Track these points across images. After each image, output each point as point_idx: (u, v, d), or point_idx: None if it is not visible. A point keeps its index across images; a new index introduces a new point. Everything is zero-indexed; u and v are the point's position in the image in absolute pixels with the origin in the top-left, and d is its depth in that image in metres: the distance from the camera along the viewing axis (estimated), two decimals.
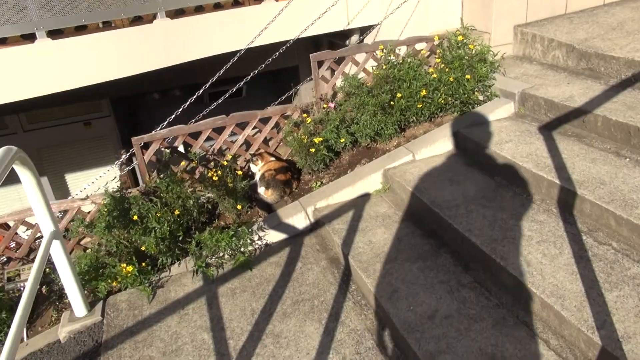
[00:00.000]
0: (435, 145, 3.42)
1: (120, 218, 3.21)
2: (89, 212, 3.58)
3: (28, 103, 4.18)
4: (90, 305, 2.90)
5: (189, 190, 3.40)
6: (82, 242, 3.70)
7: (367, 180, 3.36)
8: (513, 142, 3.13)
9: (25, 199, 7.36)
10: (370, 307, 2.54)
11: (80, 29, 3.92)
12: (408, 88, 3.38)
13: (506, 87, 3.59)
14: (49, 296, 3.31)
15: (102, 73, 4.00)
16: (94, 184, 4.15)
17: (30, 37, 3.70)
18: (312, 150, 3.31)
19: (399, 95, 3.40)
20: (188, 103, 3.99)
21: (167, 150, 3.46)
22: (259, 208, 3.52)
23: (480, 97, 3.68)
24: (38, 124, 7.32)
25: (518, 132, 3.25)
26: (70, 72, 3.85)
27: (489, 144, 3.18)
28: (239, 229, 3.10)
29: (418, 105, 3.40)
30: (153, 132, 3.54)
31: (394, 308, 2.32)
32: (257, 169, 3.70)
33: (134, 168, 5.14)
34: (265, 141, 3.89)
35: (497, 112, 3.50)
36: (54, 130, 7.41)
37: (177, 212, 3.16)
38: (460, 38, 3.60)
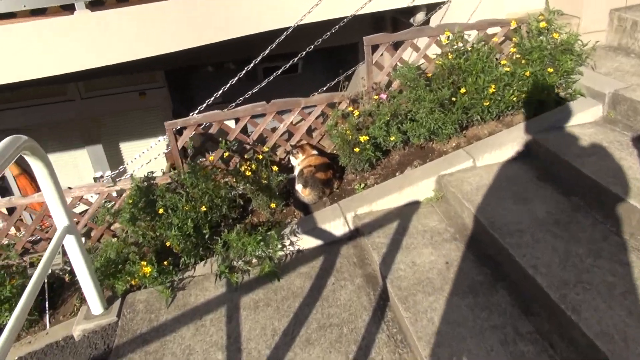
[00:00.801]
0: (501, 151, 2.93)
1: (146, 209, 3.00)
2: (119, 196, 3.42)
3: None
4: (108, 302, 2.73)
5: (222, 182, 3.13)
6: (112, 228, 3.56)
7: (417, 186, 2.94)
8: (598, 156, 2.60)
9: (82, 167, 7.39)
10: (407, 345, 2.18)
11: (122, 0, 3.69)
12: (474, 83, 2.89)
13: (594, 85, 3.01)
14: (74, 282, 3.18)
15: (145, 48, 3.77)
16: (140, 157, 4.00)
17: (69, 8, 3.51)
18: (357, 149, 2.93)
19: (462, 90, 2.92)
20: (230, 84, 3.69)
21: (190, 142, 3.20)
22: (295, 207, 3.20)
23: (561, 94, 3.13)
24: (95, 92, 7.36)
25: (605, 143, 2.70)
26: (111, 46, 3.65)
27: (567, 154, 2.66)
28: (268, 233, 2.80)
29: (484, 103, 2.91)
30: (190, 115, 3.28)
31: (434, 356, 1.95)
32: (297, 162, 3.37)
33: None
34: (309, 131, 3.54)
35: (581, 116, 2.94)
36: (109, 98, 7.43)
37: (203, 208, 2.90)
38: (543, 25, 3.03)
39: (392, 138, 3.01)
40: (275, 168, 3.04)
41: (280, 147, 3.55)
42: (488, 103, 2.91)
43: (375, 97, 3.17)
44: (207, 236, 2.97)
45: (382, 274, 2.49)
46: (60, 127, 7.44)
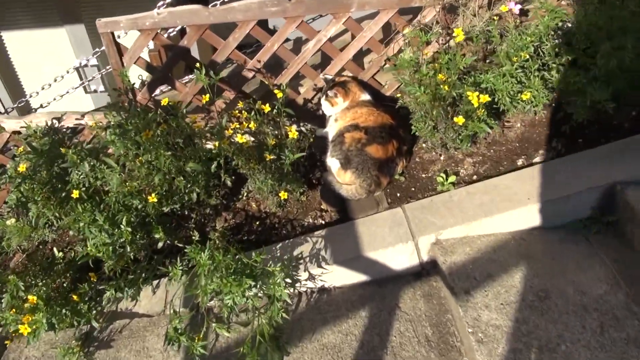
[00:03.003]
0: None
1: (53, 182, 1.66)
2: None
3: None
4: None
5: (199, 142, 1.72)
6: None
7: (564, 199, 1.51)
8: None
9: (62, 51, 5.78)
10: None
11: None
12: None
13: None
14: None
15: None
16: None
17: None
18: (460, 119, 1.45)
19: None
20: None
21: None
22: (322, 197, 1.82)
23: None
24: None
25: None
26: None
27: None
28: (271, 269, 1.45)
29: None
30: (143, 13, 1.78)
31: None
32: (334, 112, 1.91)
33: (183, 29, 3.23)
34: (359, 57, 2.03)
35: None
36: None
37: (152, 198, 1.53)
38: None
39: (526, 96, 1.52)
40: (292, 133, 1.60)
41: (307, 79, 2.07)
42: None
43: (503, 8, 1.60)
44: (160, 243, 1.64)
45: None
46: None
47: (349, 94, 1.90)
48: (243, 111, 1.69)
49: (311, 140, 1.78)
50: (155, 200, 1.55)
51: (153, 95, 1.95)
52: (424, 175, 1.74)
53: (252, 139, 1.67)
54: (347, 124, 1.79)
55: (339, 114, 1.88)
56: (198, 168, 1.58)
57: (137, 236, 1.60)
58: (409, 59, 1.54)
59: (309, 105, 2.09)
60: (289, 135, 1.60)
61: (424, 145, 1.80)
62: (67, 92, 2.72)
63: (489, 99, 1.40)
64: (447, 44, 1.88)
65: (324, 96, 1.92)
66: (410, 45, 1.71)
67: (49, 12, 6.25)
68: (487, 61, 1.67)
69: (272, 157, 1.59)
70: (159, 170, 1.52)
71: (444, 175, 1.68)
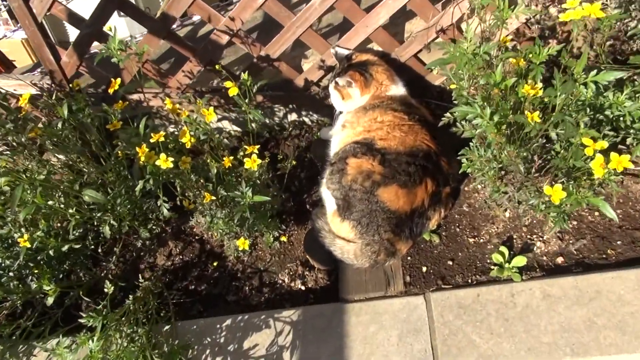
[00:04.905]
0: None
1: None
2: None
3: None
4: None
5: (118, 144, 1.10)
6: None
7: None
8: None
9: None
10: None
11: None
12: None
13: None
14: None
15: None
16: None
17: None
18: (556, 194, 0.73)
19: None
20: None
21: None
22: (306, 250, 1.18)
23: None
24: None
25: None
26: None
27: None
28: None
29: None
30: None
31: None
32: (347, 109, 1.23)
33: None
34: (394, 20, 1.30)
35: None
36: None
37: (24, 241, 0.96)
38: None
39: None
40: (251, 162, 0.94)
41: (310, 52, 1.37)
42: None
43: None
44: (50, 299, 1.08)
45: None
46: None
47: (370, 83, 1.20)
48: (183, 110, 1.03)
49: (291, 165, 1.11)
50: (29, 244, 0.97)
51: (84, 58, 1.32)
52: (472, 240, 1.06)
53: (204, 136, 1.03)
54: (356, 139, 1.10)
55: (350, 116, 1.19)
56: (99, 199, 0.97)
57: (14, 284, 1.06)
58: (472, 50, 0.81)
59: (314, 89, 1.40)
60: (246, 164, 0.94)
61: (479, 187, 1.10)
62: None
63: (630, 165, 0.68)
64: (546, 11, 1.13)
65: (333, 83, 1.23)
66: (477, 14, 0.97)
67: None
68: (613, 55, 0.91)
69: (213, 197, 0.95)
70: (24, 203, 0.92)
71: (505, 250, 0.99)
